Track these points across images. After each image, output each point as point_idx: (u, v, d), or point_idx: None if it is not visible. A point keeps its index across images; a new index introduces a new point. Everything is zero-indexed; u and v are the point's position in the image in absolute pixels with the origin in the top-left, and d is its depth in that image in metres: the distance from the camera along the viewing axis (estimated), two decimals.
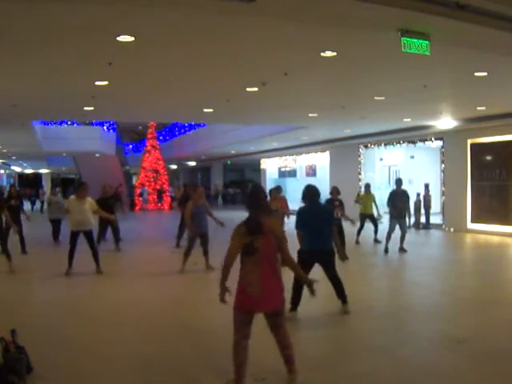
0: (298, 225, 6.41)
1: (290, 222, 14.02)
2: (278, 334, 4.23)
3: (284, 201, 12.26)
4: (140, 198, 31.64)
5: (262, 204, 4.22)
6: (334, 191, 11.40)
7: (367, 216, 13.88)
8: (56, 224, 14.53)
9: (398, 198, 11.76)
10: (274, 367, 4.54)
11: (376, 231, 13.78)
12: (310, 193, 6.50)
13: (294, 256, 5.07)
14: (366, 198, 14.06)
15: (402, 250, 11.88)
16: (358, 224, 13.50)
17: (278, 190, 12.08)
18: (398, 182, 12.21)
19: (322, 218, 6.42)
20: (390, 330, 6.05)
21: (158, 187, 31.84)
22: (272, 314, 4.17)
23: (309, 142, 22.76)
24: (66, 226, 14.08)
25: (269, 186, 24.94)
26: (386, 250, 11.81)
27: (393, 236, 11.90)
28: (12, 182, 48.96)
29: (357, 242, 13.36)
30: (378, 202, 14.35)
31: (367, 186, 14.35)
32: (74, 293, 8.25)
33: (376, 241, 13.67)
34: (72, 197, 9.60)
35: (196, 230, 9.63)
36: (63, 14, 5.40)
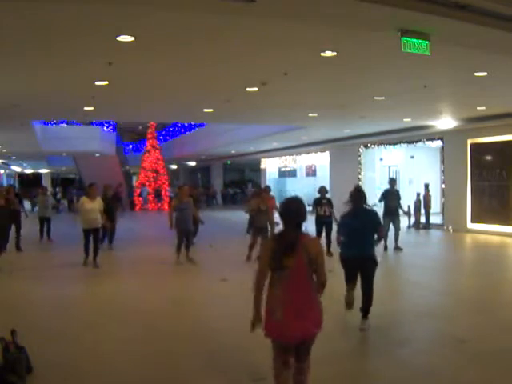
0: (340, 230, 6.24)
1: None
2: (298, 368, 3.74)
3: (273, 200, 12.65)
4: (140, 198, 31.64)
5: (300, 220, 3.67)
6: (322, 190, 11.60)
7: None
8: (42, 222, 14.50)
9: (391, 197, 12.10)
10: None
11: None
12: (355, 196, 6.24)
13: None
14: None
15: (397, 248, 11.98)
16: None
17: (266, 190, 12.53)
18: (392, 181, 12.67)
19: (366, 224, 6.09)
20: (389, 329, 6.06)
21: (158, 187, 31.85)
22: (299, 343, 3.63)
23: (309, 141, 22.75)
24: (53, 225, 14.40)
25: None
26: (385, 248, 11.87)
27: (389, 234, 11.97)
28: (11, 183, 48.90)
29: None
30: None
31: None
32: (74, 292, 8.25)
33: None
34: (84, 197, 10.32)
35: (177, 226, 10.46)
36: (63, 14, 5.40)
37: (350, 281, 6.19)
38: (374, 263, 6.09)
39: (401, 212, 12.47)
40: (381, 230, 6.35)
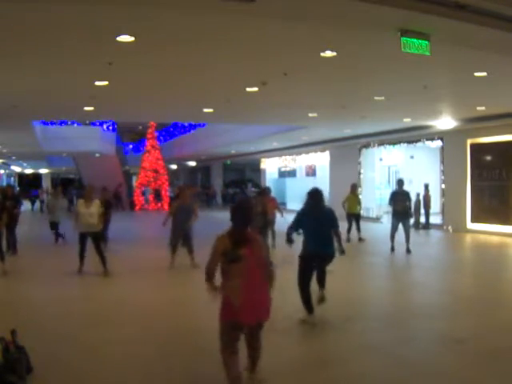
0: (294, 225, 6.39)
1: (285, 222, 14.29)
2: (251, 344, 4.16)
3: (273, 201, 12.79)
4: (142, 198, 31.64)
5: (248, 219, 4.12)
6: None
7: (352, 215, 14.06)
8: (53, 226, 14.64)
9: (400, 198, 11.91)
10: (274, 368, 4.54)
11: (359, 229, 14.02)
12: (315, 196, 6.44)
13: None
14: (351, 198, 14.20)
15: (408, 251, 11.74)
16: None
17: (265, 191, 12.61)
18: (400, 182, 12.39)
19: (325, 221, 6.34)
20: (389, 329, 6.06)
21: (158, 187, 31.85)
22: (253, 326, 4.05)
23: (309, 141, 22.76)
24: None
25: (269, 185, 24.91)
26: (393, 249, 11.85)
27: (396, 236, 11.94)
28: (9, 183, 48.82)
29: (348, 240, 13.40)
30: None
31: (353, 187, 14.53)
32: (74, 293, 8.25)
33: (360, 239, 13.79)
34: (80, 200, 9.72)
35: (175, 228, 10.19)
36: (63, 14, 5.40)
37: (305, 278, 6.22)
38: (332, 259, 6.30)
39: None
40: (336, 231, 6.40)
